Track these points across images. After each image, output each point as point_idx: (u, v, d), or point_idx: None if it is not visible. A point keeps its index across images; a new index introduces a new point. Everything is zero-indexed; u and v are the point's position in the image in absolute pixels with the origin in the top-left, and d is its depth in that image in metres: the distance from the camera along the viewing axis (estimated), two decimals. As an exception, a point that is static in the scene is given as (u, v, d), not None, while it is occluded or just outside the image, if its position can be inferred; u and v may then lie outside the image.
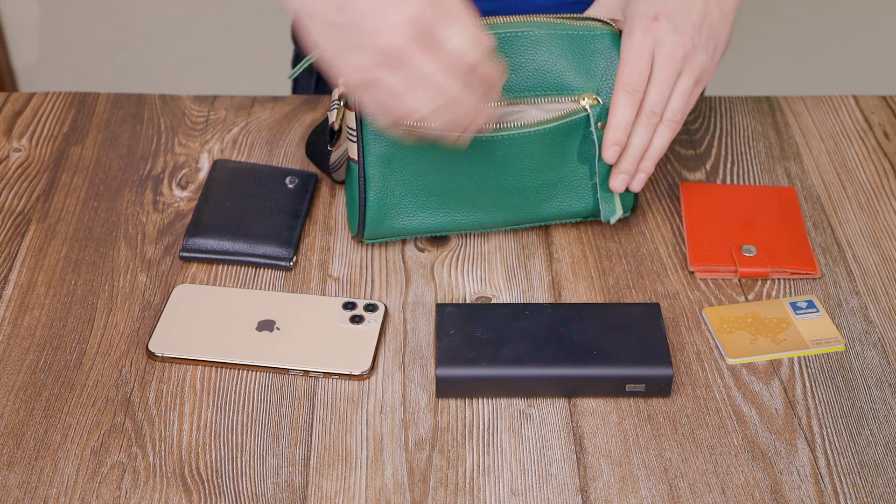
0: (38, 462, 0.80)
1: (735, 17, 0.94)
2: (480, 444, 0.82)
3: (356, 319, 0.90)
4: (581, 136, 0.93)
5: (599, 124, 0.92)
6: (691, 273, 0.96)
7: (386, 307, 0.92)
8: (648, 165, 0.94)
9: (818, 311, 0.92)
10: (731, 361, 0.88)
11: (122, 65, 2.35)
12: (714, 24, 0.92)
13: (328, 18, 0.80)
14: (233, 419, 0.84)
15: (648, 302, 0.91)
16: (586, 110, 0.92)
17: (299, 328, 0.89)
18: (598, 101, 0.92)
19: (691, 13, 0.91)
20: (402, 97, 0.81)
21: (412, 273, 0.96)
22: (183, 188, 1.04)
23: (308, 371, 0.87)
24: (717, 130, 1.12)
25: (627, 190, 0.95)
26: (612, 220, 0.96)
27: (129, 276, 0.95)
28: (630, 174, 0.94)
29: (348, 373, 0.86)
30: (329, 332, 0.89)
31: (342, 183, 1.02)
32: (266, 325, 0.89)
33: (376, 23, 0.78)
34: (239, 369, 0.87)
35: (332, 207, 1.02)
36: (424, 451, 0.82)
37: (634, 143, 0.93)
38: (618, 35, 0.93)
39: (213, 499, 0.78)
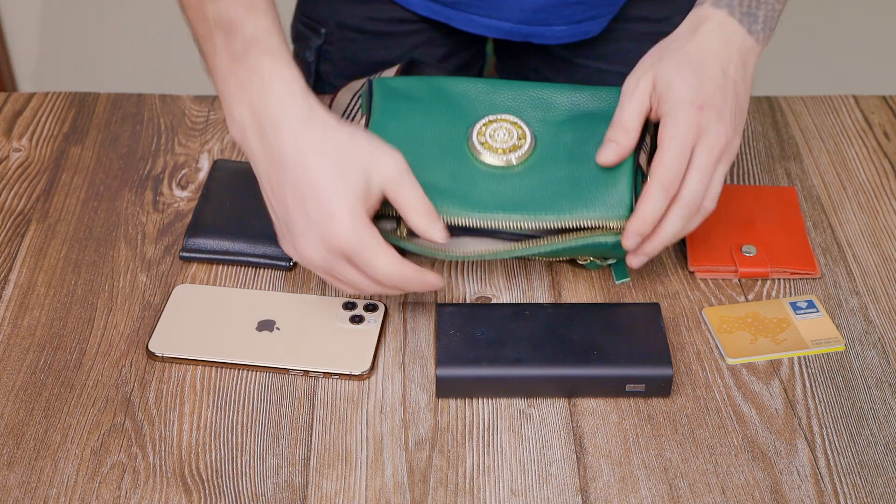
0: (38, 462, 0.80)
1: (751, 83, 0.92)
2: (480, 444, 0.82)
3: (356, 319, 0.90)
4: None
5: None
6: (691, 273, 0.96)
7: (386, 307, 0.92)
8: (669, 244, 0.90)
9: (818, 311, 0.92)
10: (731, 361, 0.88)
11: (122, 65, 2.35)
12: (742, 106, 0.90)
13: (270, 201, 0.85)
14: (233, 419, 0.84)
15: (648, 302, 0.91)
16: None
17: (299, 328, 0.89)
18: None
19: (727, 97, 0.88)
20: (338, 283, 0.85)
21: (412, 273, 0.96)
22: (183, 188, 1.04)
23: (308, 371, 0.87)
24: (717, 130, 1.12)
25: None
26: (619, 282, 0.95)
27: (129, 276, 0.95)
28: (652, 256, 0.90)
29: (348, 373, 0.86)
30: (329, 332, 0.89)
31: None
32: (266, 325, 0.89)
33: (300, 240, 0.82)
34: (239, 369, 0.87)
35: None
36: (424, 451, 0.82)
37: (667, 232, 0.87)
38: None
39: (213, 499, 0.78)
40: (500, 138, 0.92)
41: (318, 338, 0.89)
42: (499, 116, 0.93)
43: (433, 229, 0.84)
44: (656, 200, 0.86)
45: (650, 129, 0.92)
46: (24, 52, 2.35)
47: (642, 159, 0.91)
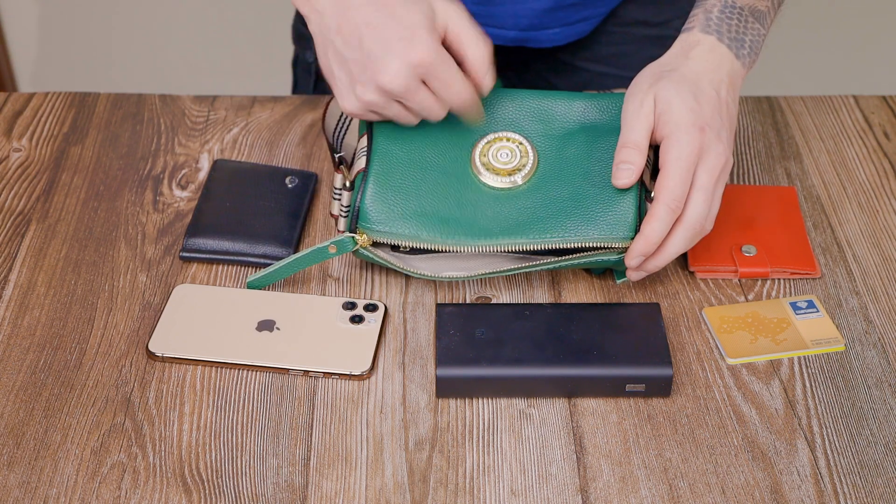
0: (38, 462, 0.80)
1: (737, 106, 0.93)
2: (480, 444, 0.82)
3: (356, 319, 0.90)
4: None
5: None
6: (691, 273, 0.96)
7: (386, 307, 0.92)
8: (669, 262, 0.91)
9: (818, 311, 0.92)
10: (731, 361, 0.88)
11: (122, 65, 2.35)
12: (734, 127, 0.91)
13: (338, 49, 0.88)
14: (233, 419, 0.84)
15: (648, 302, 0.91)
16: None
17: (299, 328, 0.89)
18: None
19: (723, 119, 0.89)
20: (402, 118, 0.90)
21: (412, 273, 0.96)
22: (183, 188, 1.04)
23: (308, 371, 0.87)
24: (717, 130, 1.12)
25: None
26: (619, 282, 0.95)
27: (129, 276, 0.95)
28: (652, 273, 0.92)
29: (348, 373, 0.86)
30: (329, 332, 0.89)
31: None
32: (266, 325, 0.89)
33: (379, 64, 0.85)
34: (239, 369, 0.87)
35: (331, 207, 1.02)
36: (424, 451, 0.82)
37: (669, 253, 0.88)
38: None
39: (213, 499, 0.78)
40: (503, 159, 0.92)
41: (318, 338, 0.89)
42: (499, 135, 0.93)
43: (487, 75, 0.90)
44: (661, 223, 0.87)
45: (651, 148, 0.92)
46: (24, 52, 2.35)
47: (645, 175, 0.91)
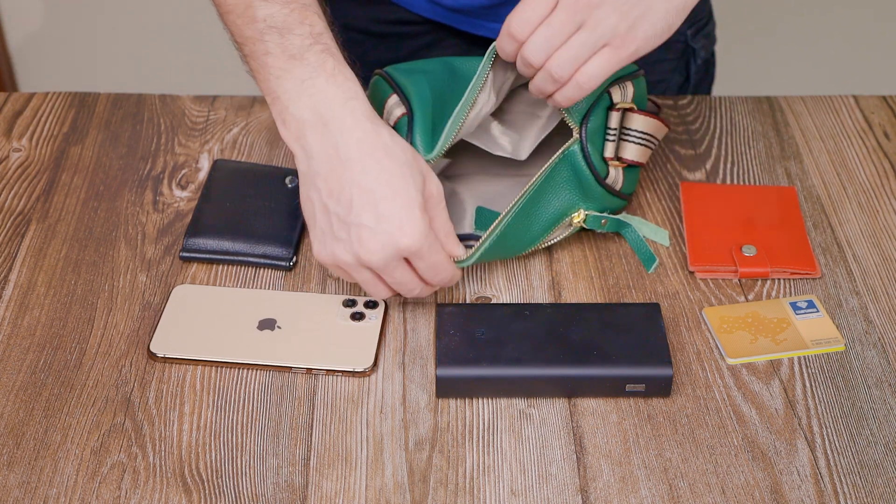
0: (38, 462, 0.80)
1: (685, 8, 0.86)
2: (480, 444, 0.82)
3: (357, 316, 0.90)
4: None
5: (602, 221, 0.94)
6: (691, 273, 0.96)
7: (386, 304, 0.92)
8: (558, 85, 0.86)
9: (818, 311, 0.92)
10: (731, 361, 0.88)
11: (122, 65, 2.35)
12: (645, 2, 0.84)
13: (323, 199, 0.84)
14: (233, 419, 0.84)
15: (648, 302, 0.91)
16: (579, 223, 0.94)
17: (300, 326, 0.89)
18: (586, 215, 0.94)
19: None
20: (370, 289, 0.87)
21: (412, 273, 0.96)
22: (183, 188, 1.04)
23: (311, 369, 0.87)
24: (717, 130, 1.12)
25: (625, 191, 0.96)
26: (651, 269, 0.96)
27: (129, 276, 0.95)
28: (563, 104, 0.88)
29: (351, 370, 0.86)
30: (330, 329, 0.89)
31: None
32: (267, 324, 0.90)
33: (365, 236, 0.83)
34: (240, 368, 0.87)
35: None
36: (424, 451, 0.82)
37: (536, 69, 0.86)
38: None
39: (213, 499, 0.78)
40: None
41: (320, 335, 0.89)
42: None
43: (458, 248, 0.88)
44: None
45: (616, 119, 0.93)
46: (24, 52, 2.35)
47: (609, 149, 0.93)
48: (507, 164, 1.00)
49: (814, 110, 1.15)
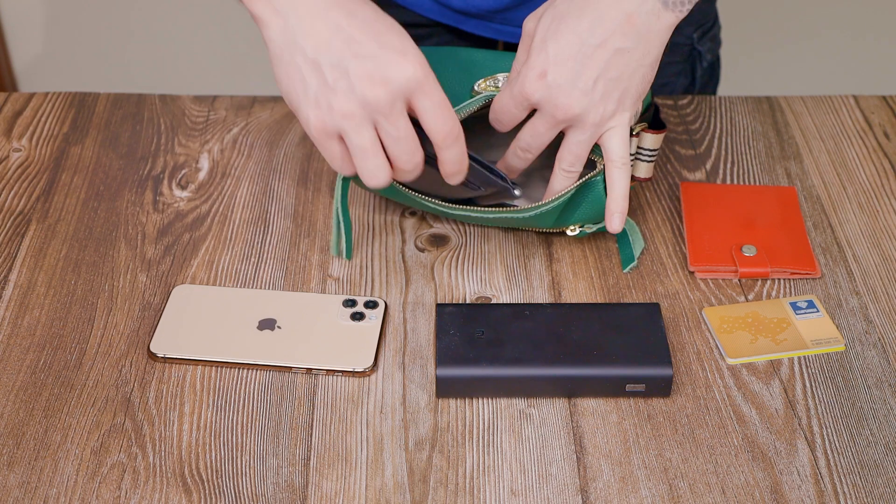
0: (38, 462, 0.80)
1: (658, 55, 0.88)
2: (480, 444, 0.82)
3: (357, 316, 0.90)
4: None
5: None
6: (691, 273, 0.96)
7: (386, 304, 0.92)
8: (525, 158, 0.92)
9: (818, 311, 0.92)
10: (731, 361, 0.88)
11: (122, 65, 2.35)
12: (613, 77, 0.86)
13: (309, 54, 0.80)
14: (233, 419, 0.84)
15: (648, 302, 0.91)
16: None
17: (301, 326, 0.89)
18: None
19: (584, 72, 0.85)
20: (365, 159, 0.81)
21: (412, 273, 0.96)
22: (183, 188, 1.04)
23: (311, 369, 0.87)
24: (717, 130, 1.12)
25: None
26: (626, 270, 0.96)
27: (129, 276, 0.95)
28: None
29: (351, 369, 0.86)
30: (330, 329, 0.89)
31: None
32: (267, 324, 0.90)
33: (371, 68, 0.78)
34: (240, 368, 0.87)
35: (331, 207, 1.02)
36: (424, 451, 0.82)
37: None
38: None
39: (213, 499, 0.78)
40: (503, 80, 0.94)
41: (320, 335, 0.89)
42: (499, 74, 0.96)
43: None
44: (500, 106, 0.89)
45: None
46: (24, 52, 2.35)
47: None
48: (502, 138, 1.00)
49: (814, 110, 1.15)
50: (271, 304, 0.91)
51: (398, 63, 0.79)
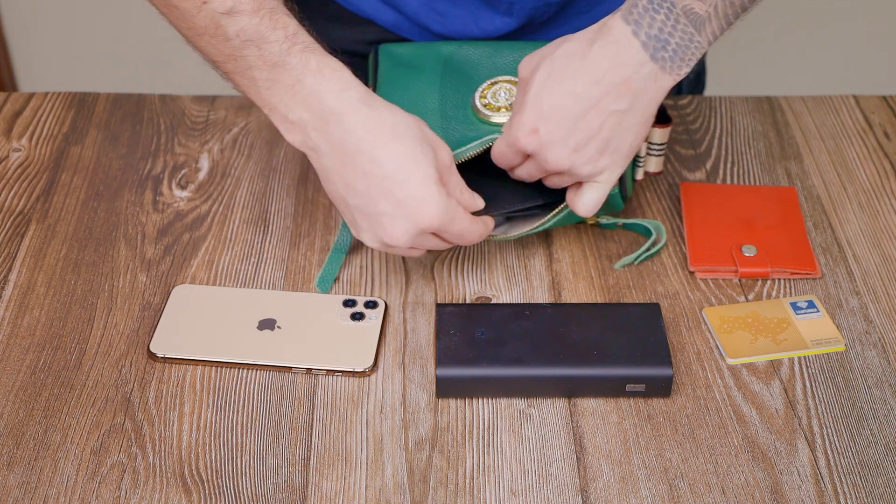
0: (38, 462, 0.80)
1: (654, 113, 0.87)
2: (480, 444, 0.82)
3: (357, 316, 0.90)
4: None
5: None
6: (691, 273, 0.96)
7: (386, 304, 0.92)
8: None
9: (818, 311, 0.92)
10: (731, 361, 0.88)
11: (122, 65, 2.35)
12: (605, 138, 0.85)
13: (340, 192, 0.86)
14: (233, 419, 0.84)
15: (648, 302, 0.91)
16: None
17: (301, 326, 0.89)
18: None
19: (576, 131, 0.85)
20: (413, 251, 0.89)
21: (412, 273, 0.96)
22: (183, 188, 1.04)
23: (311, 369, 0.87)
24: (717, 130, 1.12)
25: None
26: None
27: (128, 276, 0.95)
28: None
29: (351, 370, 0.86)
30: (330, 329, 0.89)
31: None
32: (267, 324, 0.89)
33: (386, 222, 0.85)
34: (240, 368, 0.87)
35: (333, 208, 1.02)
36: (424, 451, 0.82)
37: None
38: None
39: (213, 499, 0.78)
40: (503, 98, 0.94)
41: (320, 335, 0.89)
42: (498, 78, 0.96)
43: (475, 199, 0.89)
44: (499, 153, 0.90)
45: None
46: (24, 52, 2.35)
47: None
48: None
49: (814, 110, 1.15)
50: (271, 304, 0.91)
51: (414, 217, 0.84)
